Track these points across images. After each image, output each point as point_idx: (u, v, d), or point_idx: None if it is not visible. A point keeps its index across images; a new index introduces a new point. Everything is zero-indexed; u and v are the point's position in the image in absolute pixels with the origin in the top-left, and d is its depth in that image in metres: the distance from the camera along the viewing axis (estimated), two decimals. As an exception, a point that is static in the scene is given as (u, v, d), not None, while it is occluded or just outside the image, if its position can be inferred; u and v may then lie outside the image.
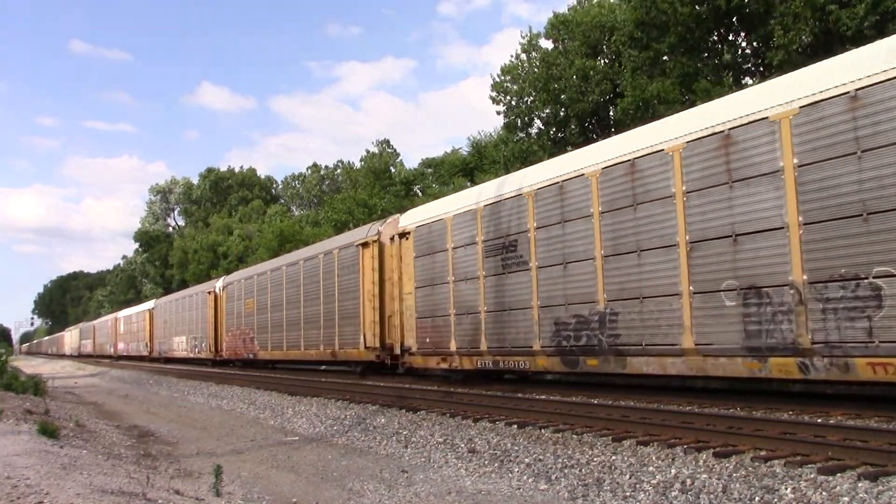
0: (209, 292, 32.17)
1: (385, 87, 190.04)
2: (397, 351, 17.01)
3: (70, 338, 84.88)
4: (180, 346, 37.29)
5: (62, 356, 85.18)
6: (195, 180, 76.76)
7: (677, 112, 12.47)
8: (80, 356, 73.64)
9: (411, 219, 17.00)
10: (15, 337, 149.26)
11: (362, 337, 18.49)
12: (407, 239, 16.74)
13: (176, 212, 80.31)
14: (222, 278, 32.53)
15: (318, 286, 21.31)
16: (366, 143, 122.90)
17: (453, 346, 15.10)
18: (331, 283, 20.48)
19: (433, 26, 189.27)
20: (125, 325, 52.76)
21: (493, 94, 29.91)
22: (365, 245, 18.61)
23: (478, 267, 14.33)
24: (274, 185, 75.52)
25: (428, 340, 15.94)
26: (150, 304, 46.78)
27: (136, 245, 79.59)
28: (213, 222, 65.05)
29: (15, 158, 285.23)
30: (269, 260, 30.82)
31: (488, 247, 14.10)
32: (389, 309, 17.64)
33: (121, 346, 53.71)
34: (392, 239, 17.47)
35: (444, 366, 15.63)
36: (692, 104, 17.73)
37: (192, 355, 35.23)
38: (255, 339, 26.59)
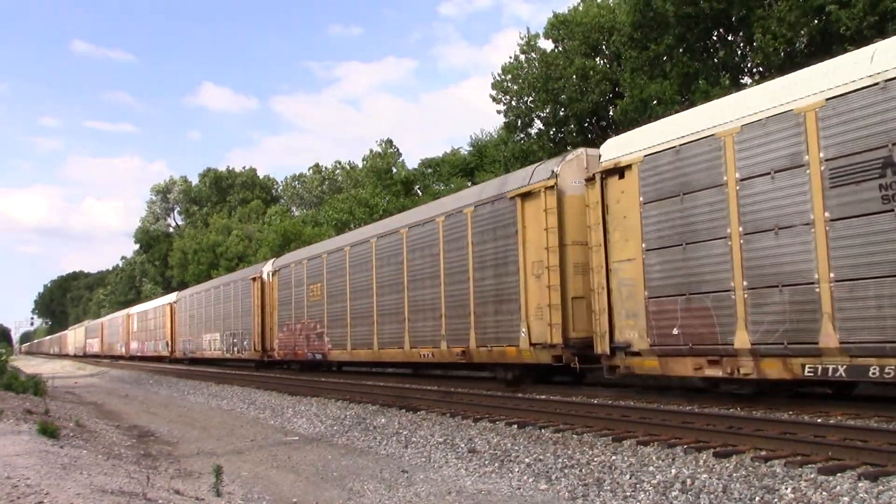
0: (254, 279, 26.67)
1: (386, 87, 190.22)
2: (600, 349, 11.49)
3: (74, 336, 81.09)
4: (212, 344, 31.80)
5: (65, 356, 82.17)
6: (195, 180, 76.88)
7: (676, 113, 12.33)
8: (85, 356, 69.57)
9: (630, 145, 11.24)
10: (15, 337, 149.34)
11: (524, 328, 13.05)
12: (623, 177, 11.13)
13: (176, 211, 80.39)
14: (270, 262, 26.78)
15: (434, 260, 15.87)
16: (367, 144, 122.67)
17: (741, 341, 9.40)
18: (459, 255, 14.99)
19: (434, 27, 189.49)
20: (140, 321, 47.56)
21: (493, 93, 29.93)
22: (528, 196, 13.14)
23: (810, 207, 8.68)
24: (274, 186, 75.55)
25: (676, 332, 10.25)
26: (171, 298, 41.20)
27: (136, 245, 79.67)
28: (212, 222, 65.05)
29: (16, 158, 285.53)
30: (344, 234, 25.00)
31: (838, 170, 8.45)
32: (576, 287, 12.45)
33: (134, 345, 48.97)
34: (589, 181, 11.87)
35: (715, 372, 9.95)
36: (692, 104, 17.74)
37: (228, 355, 29.83)
38: (325, 334, 21.06)
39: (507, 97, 29.59)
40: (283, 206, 66.28)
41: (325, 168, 67.36)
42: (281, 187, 74.42)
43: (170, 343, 39.38)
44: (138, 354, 47.49)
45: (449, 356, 15.39)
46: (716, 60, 22.35)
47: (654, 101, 22.10)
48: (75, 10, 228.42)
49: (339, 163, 61.91)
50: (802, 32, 19.02)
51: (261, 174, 76.60)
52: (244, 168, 75.82)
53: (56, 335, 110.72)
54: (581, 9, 28.12)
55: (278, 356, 24.87)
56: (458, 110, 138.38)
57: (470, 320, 14.66)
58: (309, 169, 70.91)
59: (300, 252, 25.49)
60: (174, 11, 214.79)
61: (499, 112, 30.10)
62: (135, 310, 50.88)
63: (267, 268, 26.40)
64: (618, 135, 12.90)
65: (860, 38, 16.39)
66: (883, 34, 15.87)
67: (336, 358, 20.82)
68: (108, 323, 61.68)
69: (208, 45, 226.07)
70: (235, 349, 28.85)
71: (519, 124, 29.73)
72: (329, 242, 23.43)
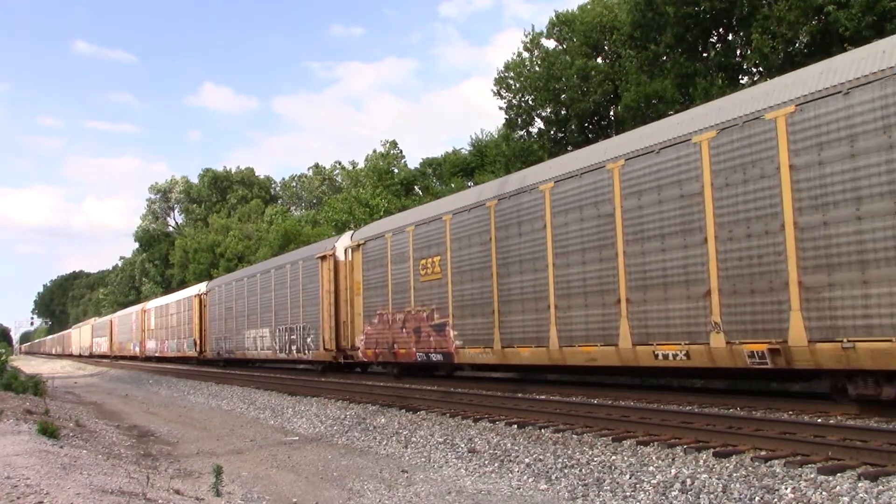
0: (322, 258, 21.29)
1: (387, 87, 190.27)
2: None
3: (79, 335, 75.66)
4: (260, 342, 26.23)
5: (68, 356, 78.46)
6: (195, 180, 76.92)
7: (677, 113, 12.32)
8: (91, 357, 64.80)
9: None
10: (15, 337, 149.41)
11: None
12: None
13: (176, 211, 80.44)
14: (347, 235, 21.45)
15: (692, 203, 10.16)
16: (368, 144, 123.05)
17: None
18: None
19: (435, 27, 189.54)
20: (158, 317, 42.27)
21: (495, 88, 30.00)
22: None
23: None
24: (273, 185, 75.63)
25: None
26: (199, 288, 35.89)
27: (136, 245, 79.69)
28: (212, 222, 65.07)
29: (18, 158, 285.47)
30: (479, 186, 17.80)
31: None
32: None
33: (151, 344, 43.73)
34: None
35: None
36: (691, 104, 17.76)
37: (283, 356, 24.24)
38: (447, 326, 15.50)
39: (510, 94, 29.66)
40: (282, 206, 66.30)
41: (325, 169, 67.49)
42: (279, 187, 74.50)
43: (198, 341, 34.06)
44: (156, 355, 42.33)
45: (729, 358, 9.67)
46: (712, 61, 22.34)
47: (655, 100, 22.07)
48: (77, 11, 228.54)
49: (340, 163, 61.98)
50: (801, 32, 19.02)
51: (262, 175, 76.81)
52: (239, 168, 75.94)
53: (58, 334, 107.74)
54: (583, 7, 28.15)
55: (364, 356, 19.08)
56: (459, 110, 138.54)
57: (788, 293, 8.91)
58: (309, 169, 71.07)
59: (398, 218, 19.09)
60: (176, 12, 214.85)
61: (501, 108, 30.20)
62: (153, 304, 45.54)
63: (342, 242, 20.86)
64: (618, 135, 13.39)
65: (859, 39, 16.39)
66: (881, 34, 15.88)
67: (470, 360, 15.06)
68: (118, 320, 55.75)
69: (209, 45, 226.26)
70: (293, 348, 23.26)
71: (519, 122, 29.80)
72: (452, 200, 16.71)
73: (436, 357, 16.03)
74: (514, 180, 14.21)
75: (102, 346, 60.48)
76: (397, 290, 17.51)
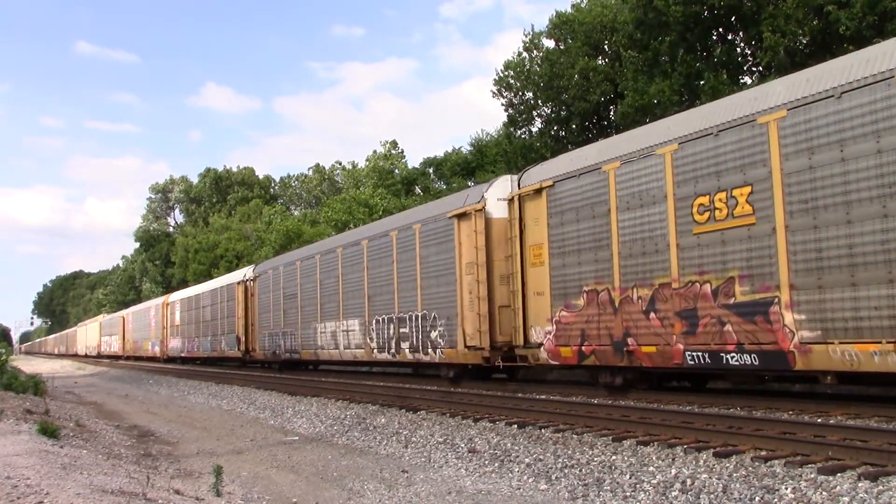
0: (461, 215, 15.24)
1: (388, 87, 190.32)
2: None
3: (86, 334, 70.06)
4: (344, 339, 20.02)
5: (72, 357, 74.15)
6: (195, 180, 77.02)
7: (676, 113, 12.22)
8: (99, 357, 59.64)
9: None
10: (15, 336, 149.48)
11: None
12: None
13: (176, 210, 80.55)
14: (507, 179, 15.23)
15: None
16: (369, 144, 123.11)
17: None
18: None
19: (436, 27, 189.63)
20: (184, 310, 36.86)
21: (495, 88, 30.04)
22: None
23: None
24: (273, 185, 75.68)
25: None
26: (244, 273, 29.82)
27: (136, 245, 79.77)
28: (212, 222, 65.14)
29: (19, 158, 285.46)
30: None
31: None
32: None
33: (174, 343, 38.69)
34: None
35: None
36: (692, 104, 17.75)
37: (385, 356, 18.09)
38: (775, 305, 9.37)
39: (510, 93, 29.72)
40: (281, 205, 66.34)
41: (325, 169, 67.53)
42: (279, 186, 74.55)
43: (242, 338, 28.22)
44: (182, 355, 37.06)
45: None
46: (715, 60, 22.34)
47: (654, 101, 22.08)
48: (80, 12, 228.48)
49: (340, 163, 61.98)
50: (801, 32, 19.03)
51: (264, 175, 76.82)
52: (239, 167, 76.01)
53: (61, 333, 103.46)
54: (583, 7, 28.16)
55: (554, 357, 12.88)
56: (460, 110, 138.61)
57: None
58: (309, 169, 71.11)
59: (627, 139, 12.29)
60: (178, 12, 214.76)
61: (502, 105, 30.27)
62: (177, 296, 39.93)
63: (498, 190, 15.04)
64: (618, 134, 13.02)
65: (860, 39, 16.41)
66: (883, 35, 15.89)
67: (847, 364, 8.63)
68: (132, 316, 49.78)
69: (212, 45, 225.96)
70: (405, 346, 17.07)
71: (520, 121, 29.86)
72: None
73: (741, 358, 9.76)
74: None
75: (113, 345, 55.28)
76: (634, 251, 11.41)
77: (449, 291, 15.59)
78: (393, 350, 17.73)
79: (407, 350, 17.12)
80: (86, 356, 66.56)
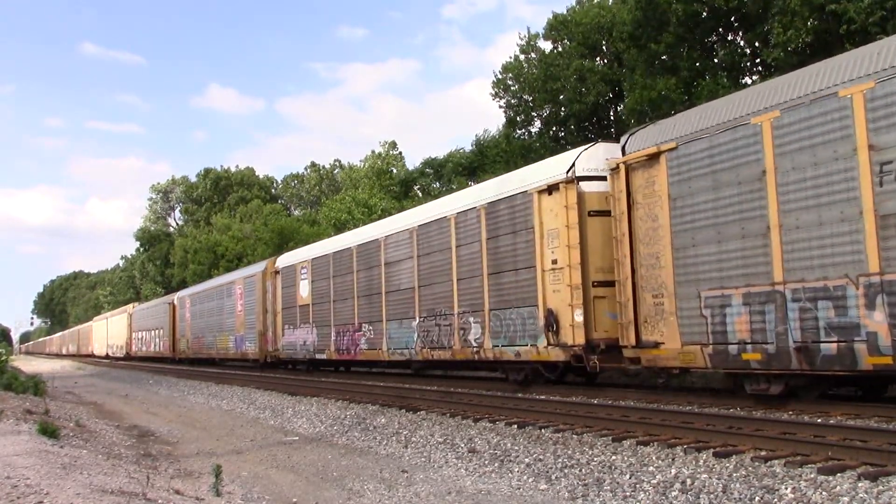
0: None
1: (390, 88, 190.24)
2: None
3: (107, 329, 56.03)
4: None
5: (83, 357, 65.15)
6: (195, 180, 76.97)
7: (676, 113, 12.05)
8: (129, 359, 47.16)
9: None
10: (15, 336, 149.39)
11: None
12: None
13: (177, 210, 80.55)
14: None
15: None
16: (370, 144, 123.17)
17: None
18: None
19: (438, 28, 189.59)
20: (317, 278, 22.22)
21: (493, 91, 30.11)
22: None
23: None
24: (273, 185, 75.69)
25: None
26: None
27: (137, 245, 79.77)
28: (214, 222, 65.12)
29: (21, 158, 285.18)
30: None
31: None
32: None
33: (292, 337, 23.74)
34: None
35: None
36: (692, 104, 17.72)
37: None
38: None
39: (508, 95, 29.78)
40: (280, 205, 66.35)
41: (323, 168, 67.49)
42: (279, 187, 74.56)
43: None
44: (318, 356, 22.52)
45: None
46: (715, 60, 22.34)
47: (662, 94, 21.96)
48: (85, 13, 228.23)
49: (339, 161, 61.98)
50: (803, 31, 19.02)
51: (264, 175, 76.79)
52: (237, 167, 75.99)
53: (70, 330, 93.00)
54: (580, 8, 28.19)
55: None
56: (462, 111, 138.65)
57: None
58: (305, 168, 71.05)
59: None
60: (183, 14, 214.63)
61: (500, 107, 30.33)
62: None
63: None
64: (617, 134, 12.37)
65: (863, 36, 16.39)
66: (885, 32, 15.89)
67: None
68: (189, 301, 35.36)
69: (216, 46, 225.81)
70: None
71: (519, 122, 29.93)
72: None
73: None
74: None
75: (148, 343, 41.61)
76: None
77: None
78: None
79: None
80: (107, 357, 54.63)
